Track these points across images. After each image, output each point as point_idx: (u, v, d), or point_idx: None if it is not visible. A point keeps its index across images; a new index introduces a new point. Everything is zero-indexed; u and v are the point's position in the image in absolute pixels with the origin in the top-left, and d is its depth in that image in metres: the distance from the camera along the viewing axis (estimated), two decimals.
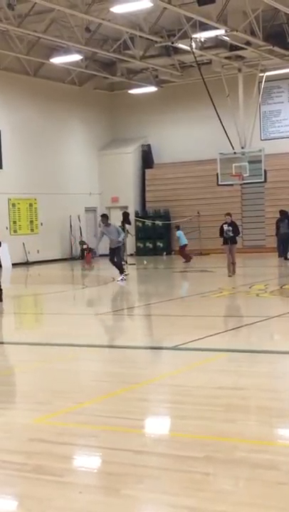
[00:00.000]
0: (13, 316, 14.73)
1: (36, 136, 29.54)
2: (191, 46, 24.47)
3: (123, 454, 5.09)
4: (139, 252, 31.29)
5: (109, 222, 20.17)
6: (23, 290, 20.22)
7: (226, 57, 27.13)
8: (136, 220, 31.26)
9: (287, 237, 25.39)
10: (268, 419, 5.99)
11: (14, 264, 27.85)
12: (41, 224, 29.94)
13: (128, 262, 25.04)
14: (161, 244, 31.23)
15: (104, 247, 20.63)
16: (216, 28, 23.01)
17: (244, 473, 4.66)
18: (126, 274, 20.04)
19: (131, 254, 29.68)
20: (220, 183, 27.16)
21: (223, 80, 26.77)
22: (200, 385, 7.13)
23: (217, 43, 26.00)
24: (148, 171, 33.03)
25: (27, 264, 28.51)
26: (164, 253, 27.05)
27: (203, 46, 25.87)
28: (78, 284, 21.99)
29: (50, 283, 21.69)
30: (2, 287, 15.49)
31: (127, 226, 25.92)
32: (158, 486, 4.51)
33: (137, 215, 31.82)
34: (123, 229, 22.73)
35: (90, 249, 31.47)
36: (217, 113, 25.06)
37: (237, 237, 19.71)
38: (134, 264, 26.20)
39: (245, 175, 26.39)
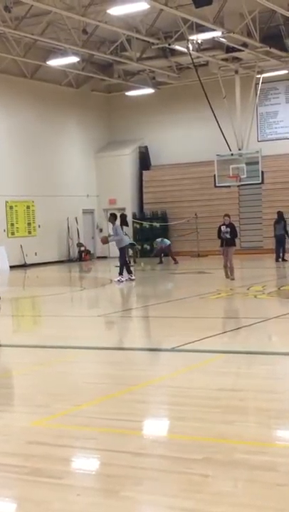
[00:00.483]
0: (10, 318, 14.71)
1: (33, 138, 29.53)
2: (187, 48, 24.51)
3: (122, 456, 5.09)
4: (137, 255, 31.24)
5: (116, 222, 20.21)
6: (20, 292, 20.19)
7: (222, 59, 27.16)
8: (133, 222, 31.25)
9: (282, 238, 25.40)
10: (267, 420, 5.98)
11: (12, 267, 27.83)
12: (39, 226, 29.92)
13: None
14: (157, 246, 31.18)
15: (101, 249, 20.71)
16: (213, 30, 23.05)
17: (243, 474, 4.65)
18: (130, 279, 19.95)
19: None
20: (217, 184, 27.17)
21: (220, 82, 26.80)
22: (198, 386, 7.12)
23: (214, 45, 26.03)
24: (145, 173, 33.04)
25: (25, 266, 28.48)
26: (162, 255, 27.07)
27: (200, 48, 25.91)
28: (76, 286, 21.98)
29: (48, 285, 21.67)
30: None
31: (124, 228, 25.91)
32: (157, 488, 4.50)
33: (134, 216, 31.82)
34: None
35: (87, 251, 31.53)
36: (214, 115, 25.08)
37: (235, 240, 19.31)
38: (131, 265, 26.16)
39: (242, 176, 26.41)
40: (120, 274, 19.80)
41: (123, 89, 31.75)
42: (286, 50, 26.82)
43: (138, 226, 31.70)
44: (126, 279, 19.85)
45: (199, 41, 25.13)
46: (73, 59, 27.11)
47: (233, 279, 18.62)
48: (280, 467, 4.75)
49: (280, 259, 25.02)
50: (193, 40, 24.45)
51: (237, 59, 27.15)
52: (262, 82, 28.00)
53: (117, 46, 26.86)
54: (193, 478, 4.60)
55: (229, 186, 27.91)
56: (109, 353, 9.68)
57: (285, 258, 25.13)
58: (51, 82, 30.06)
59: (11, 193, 28.50)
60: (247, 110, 27.16)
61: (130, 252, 25.39)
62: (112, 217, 20.39)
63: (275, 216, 26.33)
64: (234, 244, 19.16)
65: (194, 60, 25.35)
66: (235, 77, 27.41)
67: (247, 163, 26.48)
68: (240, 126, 27.10)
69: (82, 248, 31.36)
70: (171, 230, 31.39)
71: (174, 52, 27.41)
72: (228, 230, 18.85)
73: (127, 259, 20.59)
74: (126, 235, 21.94)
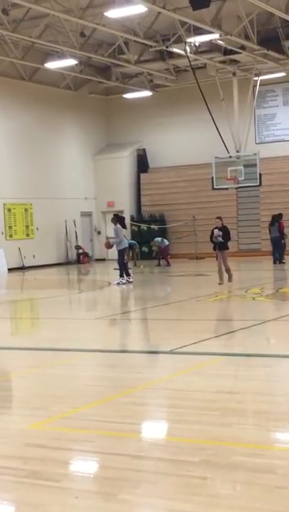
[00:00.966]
0: (8, 321, 14.70)
1: (31, 140, 29.54)
2: (185, 50, 24.52)
3: (120, 459, 5.08)
4: (137, 257, 31.23)
5: (117, 223, 20.14)
6: (18, 295, 20.18)
7: (220, 62, 27.18)
8: (131, 225, 31.26)
9: (277, 240, 25.37)
10: (265, 422, 5.98)
11: (10, 269, 27.82)
12: (37, 229, 29.92)
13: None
14: (156, 249, 31.19)
15: (100, 251, 20.65)
16: (211, 33, 23.07)
17: (241, 477, 4.65)
18: (128, 281, 19.91)
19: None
20: (215, 187, 27.18)
21: (217, 84, 26.81)
22: (196, 389, 7.12)
23: (211, 47, 26.05)
24: (143, 176, 33.06)
25: (23, 269, 28.48)
26: (161, 257, 27.10)
27: (198, 50, 25.94)
28: (74, 288, 21.97)
29: (46, 288, 21.66)
30: None
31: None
32: (155, 491, 4.50)
33: (132, 219, 31.83)
34: None
35: (86, 254, 31.52)
36: (212, 117, 25.09)
37: (229, 242, 18.60)
38: (129, 268, 26.14)
39: (240, 179, 26.41)
40: (121, 276, 19.80)
41: (121, 92, 31.78)
42: (284, 53, 26.85)
43: (136, 228, 31.70)
44: (125, 281, 19.84)
45: (197, 44, 25.17)
46: (71, 61, 27.13)
47: (231, 280, 18.29)
48: (278, 469, 4.75)
49: (278, 262, 25.02)
50: (190, 42, 24.47)
51: (235, 61, 27.17)
52: (260, 85, 28.04)
53: (114, 49, 26.88)
54: (191, 481, 4.59)
55: (227, 188, 27.92)
56: (107, 356, 9.67)
57: (283, 260, 25.13)
58: (49, 84, 30.09)
59: (9, 196, 28.51)
60: (245, 112, 27.19)
61: (130, 253, 25.41)
62: (115, 218, 20.34)
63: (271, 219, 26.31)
64: (227, 248, 18.50)
65: (192, 63, 25.36)
66: (233, 79, 27.43)
67: (245, 166, 26.48)
68: (238, 128, 27.12)
69: (81, 251, 31.36)
70: (169, 232, 31.40)
71: (171, 55, 27.42)
72: (220, 233, 18.22)
73: (125, 261, 20.56)
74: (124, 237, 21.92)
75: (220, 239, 18.17)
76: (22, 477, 4.83)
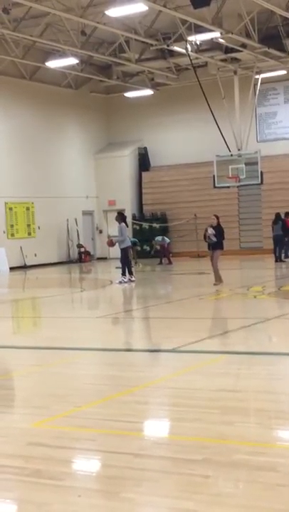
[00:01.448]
0: (10, 319, 14.71)
1: (32, 139, 29.54)
2: (186, 49, 24.52)
3: (122, 457, 5.08)
4: (137, 255, 31.25)
5: (122, 221, 20.03)
6: (20, 294, 20.19)
7: (221, 60, 27.16)
8: (133, 223, 31.25)
9: (280, 238, 25.36)
10: (267, 421, 5.98)
11: (12, 268, 27.83)
12: (38, 227, 29.92)
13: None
14: (158, 247, 31.20)
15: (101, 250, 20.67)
16: (212, 31, 23.04)
17: (243, 475, 4.65)
18: (130, 280, 19.88)
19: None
20: (216, 185, 27.17)
21: (218, 83, 26.81)
22: (198, 387, 7.12)
23: (212, 46, 26.03)
24: (145, 174, 33.05)
25: (24, 267, 28.48)
26: (163, 256, 27.13)
27: (199, 49, 25.92)
28: (76, 287, 21.98)
29: (48, 286, 21.67)
30: None
31: None
32: (157, 489, 4.50)
33: (134, 217, 31.82)
34: None
35: (87, 253, 31.53)
36: (213, 115, 25.08)
37: (227, 242, 17.92)
38: (132, 266, 26.15)
39: (241, 177, 26.40)
40: (123, 274, 19.80)
41: (122, 91, 31.76)
42: (284, 51, 26.82)
43: (137, 227, 31.70)
44: (127, 280, 19.83)
45: (198, 42, 25.16)
46: (72, 60, 27.12)
47: (216, 285, 17.25)
48: (280, 468, 4.75)
49: (279, 260, 25.01)
50: (191, 41, 24.45)
51: (236, 60, 27.16)
52: (261, 83, 28.01)
53: (115, 47, 26.87)
54: (193, 479, 4.60)
55: (228, 187, 27.91)
56: (108, 355, 9.67)
57: (283, 259, 25.11)
58: (50, 83, 30.08)
59: (11, 195, 28.51)
60: (246, 111, 27.17)
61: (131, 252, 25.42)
62: (119, 217, 20.29)
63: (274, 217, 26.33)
64: (221, 248, 17.65)
65: (193, 61, 25.35)
66: (234, 77, 27.42)
67: (246, 164, 26.48)
68: (240, 126, 27.12)
69: (82, 249, 31.36)
70: (170, 230, 31.40)
71: (172, 54, 27.41)
72: (214, 232, 17.40)
73: (129, 259, 20.53)
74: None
75: (213, 238, 17.43)
76: (24, 476, 4.83)
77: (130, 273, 20.08)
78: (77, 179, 32.17)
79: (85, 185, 32.59)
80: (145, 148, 33.21)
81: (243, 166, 26.39)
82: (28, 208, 29.52)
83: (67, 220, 31.12)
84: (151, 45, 26.09)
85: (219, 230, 17.62)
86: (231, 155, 26.59)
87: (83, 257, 31.17)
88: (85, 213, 32.63)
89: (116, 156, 32.85)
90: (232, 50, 25.97)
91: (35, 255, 29.43)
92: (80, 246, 31.38)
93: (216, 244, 17.53)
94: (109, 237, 21.04)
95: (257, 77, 27.66)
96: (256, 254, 28.90)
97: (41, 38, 24.38)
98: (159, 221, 31.59)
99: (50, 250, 30.35)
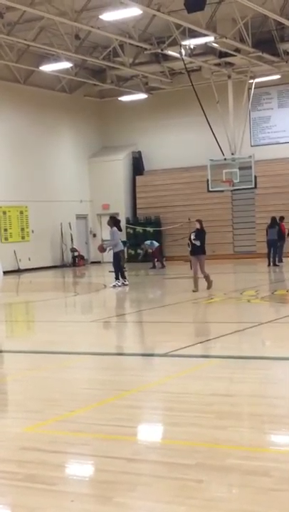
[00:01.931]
0: (4, 323, 14.68)
1: (26, 143, 29.54)
2: (180, 53, 24.56)
3: (115, 462, 5.08)
4: (130, 259, 31.25)
5: (113, 225, 20.00)
6: (14, 298, 20.15)
7: (215, 64, 27.23)
8: (127, 227, 31.25)
9: (275, 243, 25.34)
10: (260, 425, 5.98)
11: (5, 272, 27.65)
12: (32, 231, 29.90)
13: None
14: (150, 250, 31.19)
15: (95, 254, 20.58)
16: (206, 35, 23.10)
17: (236, 480, 4.65)
18: (124, 284, 19.85)
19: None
20: (210, 189, 27.22)
21: (212, 87, 26.88)
22: (192, 391, 7.12)
23: (206, 50, 26.10)
24: (139, 178, 33.07)
25: (18, 271, 28.45)
26: (156, 260, 27.13)
27: (193, 53, 26.00)
28: (70, 291, 21.95)
29: (42, 290, 21.65)
30: None
31: None
32: (150, 494, 4.50)
33: (128, 221, 31.83)
34: None
35: (81, 257, 31.52)
36: (207, 120, 25.13)
37: (204, 247, 17.46)
38: (125, 270, 26.15)
39: (235, 181, 26.46)
40: (116, 278, 19.79)
41: (116, 95, 31.79)
42: (278, 55, 26.92)
43: (131, 231, 31.69)
44: (120, 284, 19.81)
45: (192, 46, 25.23)
46: (66, 64, 27.15)
47: (208, 288, 17.18)
48: (273, 472, 4.75)
49: (272, 264, 25.02)
50: (185, 45, 24.52)
51: (230, 64, 27.22)
52: (254, 87, 28.09)
53: (109, 52, 26.91)
54: (186, 484, 4.59)
55: (222, 191, 27.97)
56: (102, 359, 9.66)
57: (277, 263, 25.13)
58: (44, 87, 30.09)
59: (4, 198, 28.48)
60: (240, 115, 27.23)
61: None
62: (111, 221, 20.27)
63: (268, 221, 26.32)
64: (203, 253, 17.41)
65: (187, 66, 25.40)
66: (228, 82, 27.49)
67: (240, 168, 26.55)
68: (233, 131, 27.17)
69: (76, 253, 31.36)
70: (164, 234, 31.41)
71: (166, 58, 27.46)
72: (194, 237, 17.15)
73: (121, 263, 20.52)
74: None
75: (196, 243, 17.13)
76: (17, 480, 4.82)
77: (123, 277, 20.07)
78: (72, 183, 32.17)
79: (79, 189, 32.59)
80: (139, 152, 33.25)
81: (237, 170, 26.45)
82: (21, 212, 29.50)
83: (61, 223, 31.11)
84: (146, 49, 26.14)
85: (201, 235, 17.34)
86: (225, 159, 26.66)
87: (77, 261, 31.16)
88: (78, 217, 32.62)
89: (110, 160, 32.86)
90: (226, 55, 26.04)
91: (29, 259, 29.40)
92: (73, 250, 31.38)
93: (199, 249, 17.24)
94: (102, 241, 21.02)
95: (251, 81, 27.74)
96: (250, 258, 28.92)
97: (35, 42, 24.39)
98: (152, 225, 31.59)
99: (44, 254, 30.33)
